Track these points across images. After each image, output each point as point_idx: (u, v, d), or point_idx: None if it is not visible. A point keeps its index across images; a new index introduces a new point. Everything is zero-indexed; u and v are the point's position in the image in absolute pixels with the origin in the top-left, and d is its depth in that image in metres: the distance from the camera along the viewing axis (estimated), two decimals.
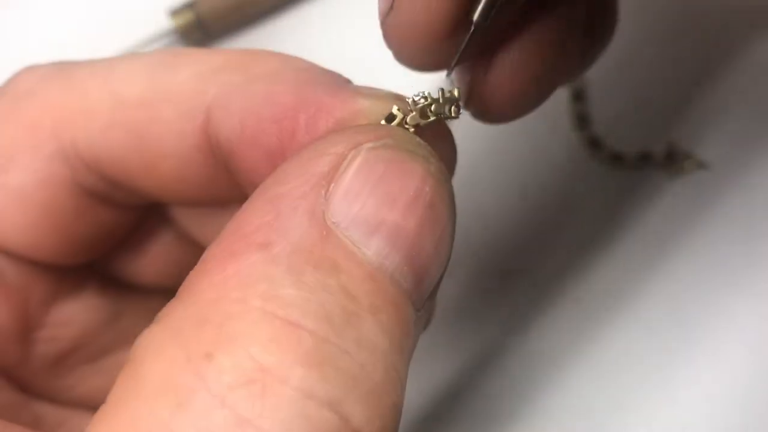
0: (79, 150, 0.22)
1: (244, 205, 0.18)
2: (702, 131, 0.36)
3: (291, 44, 0.40)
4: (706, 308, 0.34)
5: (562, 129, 0.37)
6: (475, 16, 0.20)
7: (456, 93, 0.20)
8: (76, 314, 0.25)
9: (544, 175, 0.36)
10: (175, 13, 0.38)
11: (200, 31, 0.38)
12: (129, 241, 0.26)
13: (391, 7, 0.20)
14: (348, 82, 0.22)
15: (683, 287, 0.34)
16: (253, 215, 0.17)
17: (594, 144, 0.36)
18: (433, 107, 0.20)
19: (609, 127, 0.37)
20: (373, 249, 0.17)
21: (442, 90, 0.20)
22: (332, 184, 0.17)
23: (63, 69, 0.23)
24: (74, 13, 0.40)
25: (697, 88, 0.37)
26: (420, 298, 0.18)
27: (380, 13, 0.21)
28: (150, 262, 0.27)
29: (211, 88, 0.22)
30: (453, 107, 0.20)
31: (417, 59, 0.21)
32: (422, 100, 0.20)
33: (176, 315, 0.16)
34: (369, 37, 0.38)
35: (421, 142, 0.19)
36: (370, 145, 0.18)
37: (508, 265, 0.35)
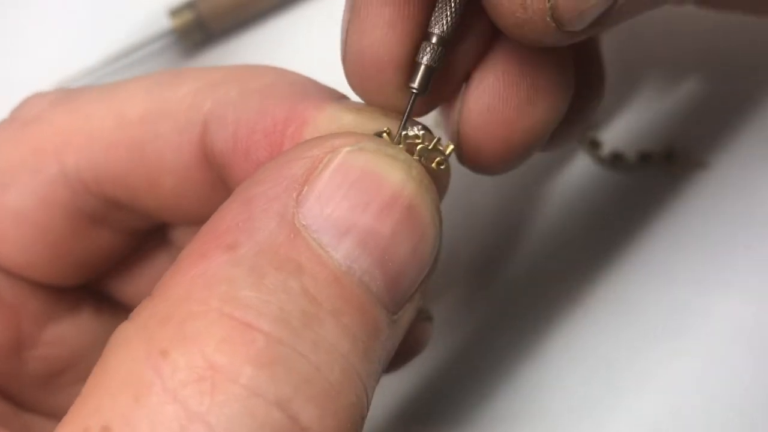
0: (82, 172, 0.23)
1: (221, 206, 0.18)
2: (702, 131, 0.36)
3: (291, 44, 0.40)
4: (705, 308, 0.34)
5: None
6: (415, 85, 0.20)
7: (448, 150, 0.20)
8: (70, 334, 0.25)
9: (544, 175, 0.36)
10: (175, 13, 0.38)
11: (200, 31, 0.38)
12: (127, 263, 0.26)
13: (345, 47, 0.20)
14: (343, 97, 0.22)
15: (683, 287, 0.34)
16: (226, 216, 0.18)
17: (594, 144, 0.36)
18: (419, 147, 0.20)
19: (609, 127, 0.37)
20: (342, 252, 0.17)
21: (439, 140, 0.20)
22: (306, 187, 0.17)
23: (69, 95, 0.24)
24: (74, 12, 0.40)
25: (697, 89, 0.37)
26: (395, 302, 0.18)
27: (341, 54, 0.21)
28: (148, 284, 0.27)
29: (208, 102, 0.22)
30: (438, 161, 0.20)
31: (373, 97, 0.21)
32: (415, 135, 0.20)
33: (146, 312, 0.17)
34: None
35: (403, 150, 0.19)
36: (347, 148, 0.18)
37: (507, 264, 0.35)
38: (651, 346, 0.33)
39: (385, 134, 0.20)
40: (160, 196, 0.23)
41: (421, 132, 0.20)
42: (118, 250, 0.25)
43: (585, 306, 0.34)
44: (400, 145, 0.20)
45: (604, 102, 0.37)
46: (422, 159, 0.20)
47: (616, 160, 0.36)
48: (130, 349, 0.16)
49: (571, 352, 0.34)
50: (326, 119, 0.21)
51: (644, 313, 0.34)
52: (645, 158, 0.36)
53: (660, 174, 0.36)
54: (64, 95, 0.24)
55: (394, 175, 0.18)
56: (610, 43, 0.35)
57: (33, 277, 0.24)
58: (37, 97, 0.24)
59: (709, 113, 0.36)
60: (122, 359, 0.16)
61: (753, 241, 0.34)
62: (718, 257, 0.34)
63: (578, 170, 0.36)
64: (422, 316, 0.23)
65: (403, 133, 0.20)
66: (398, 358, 0.22)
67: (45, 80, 0.37)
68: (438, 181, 0.20)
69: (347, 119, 0.21)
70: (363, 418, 0.17)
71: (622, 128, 0.37)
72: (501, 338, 0.34)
